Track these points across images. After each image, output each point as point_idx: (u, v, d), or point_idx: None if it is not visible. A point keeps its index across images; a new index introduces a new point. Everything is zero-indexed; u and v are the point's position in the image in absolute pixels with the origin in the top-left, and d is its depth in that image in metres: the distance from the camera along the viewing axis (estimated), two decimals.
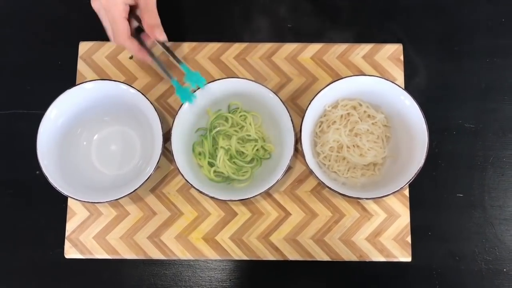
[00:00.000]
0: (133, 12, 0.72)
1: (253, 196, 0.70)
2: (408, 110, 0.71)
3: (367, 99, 0.75)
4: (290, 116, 0.71)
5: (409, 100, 0.70)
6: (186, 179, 0.70)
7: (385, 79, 0.71)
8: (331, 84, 0.71)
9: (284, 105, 0.71)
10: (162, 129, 0.71)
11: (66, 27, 0.85)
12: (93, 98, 0.74)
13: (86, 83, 0.72)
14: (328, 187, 0.69)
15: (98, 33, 0.78)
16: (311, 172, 0.70)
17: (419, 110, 0.69)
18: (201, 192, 0.70)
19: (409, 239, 0.76)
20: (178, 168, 0.70)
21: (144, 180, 0.70)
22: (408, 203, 0.77)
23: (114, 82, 0.72)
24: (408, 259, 0.76)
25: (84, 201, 0.70)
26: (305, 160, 0.70)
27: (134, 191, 0.70)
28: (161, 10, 0.73)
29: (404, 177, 0.70)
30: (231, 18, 0.85)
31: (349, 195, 0.69)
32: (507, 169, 0.80)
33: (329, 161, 0.75)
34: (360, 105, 0.76)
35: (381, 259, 0.76)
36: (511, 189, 0.79)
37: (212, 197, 0.70)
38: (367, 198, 0.69)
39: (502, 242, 0.78)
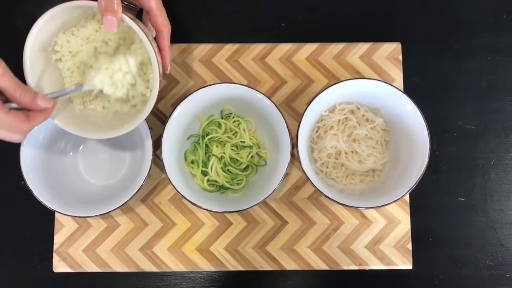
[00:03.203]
0: None
1: (249, 207, 0.67)
2: (409, 115, 0.68)
3: (366, 102, 0.72)
4: (286, 122, 0.68)
5: (410, 105, 0.67)
6: (177, 190, 0.67)
7: (384, 82, 0.68)
8: (328, 89, 0.68)
9: (280, 110, 0.68)
10: (151, 136, 0.68)
11: None
12: None
13: None
14: (326, 196, 0.66)
15: None
16: (308, 179, 0.67)
17: (421, 116, 0.66)
18: (194, 204, 0.67)
19: (409, 246, 0.74)
20: (169, 179, 0.67)
21: (134, 192, 0.67)
22: (408, 209, 0.75)
23: None
24: (409, 266, 0.73)
25: (73, 216, 0.67)
26: (301, 167, 0.67)
27: (124, 203, 0.67)
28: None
29: (405, 184, 0.67)
30: (222, 17, 0.81)
31: (348, 204, 0.66)
32: (510, 171, 0.77)
33: (327, 167, 0.72)
34: (358, 108, 0.72)
35: (382, 267, 0.73)
36: None
37: (205, 209, 0.67)
38: (366, 208, 0.67)
39: (504, 247, 0.76)
